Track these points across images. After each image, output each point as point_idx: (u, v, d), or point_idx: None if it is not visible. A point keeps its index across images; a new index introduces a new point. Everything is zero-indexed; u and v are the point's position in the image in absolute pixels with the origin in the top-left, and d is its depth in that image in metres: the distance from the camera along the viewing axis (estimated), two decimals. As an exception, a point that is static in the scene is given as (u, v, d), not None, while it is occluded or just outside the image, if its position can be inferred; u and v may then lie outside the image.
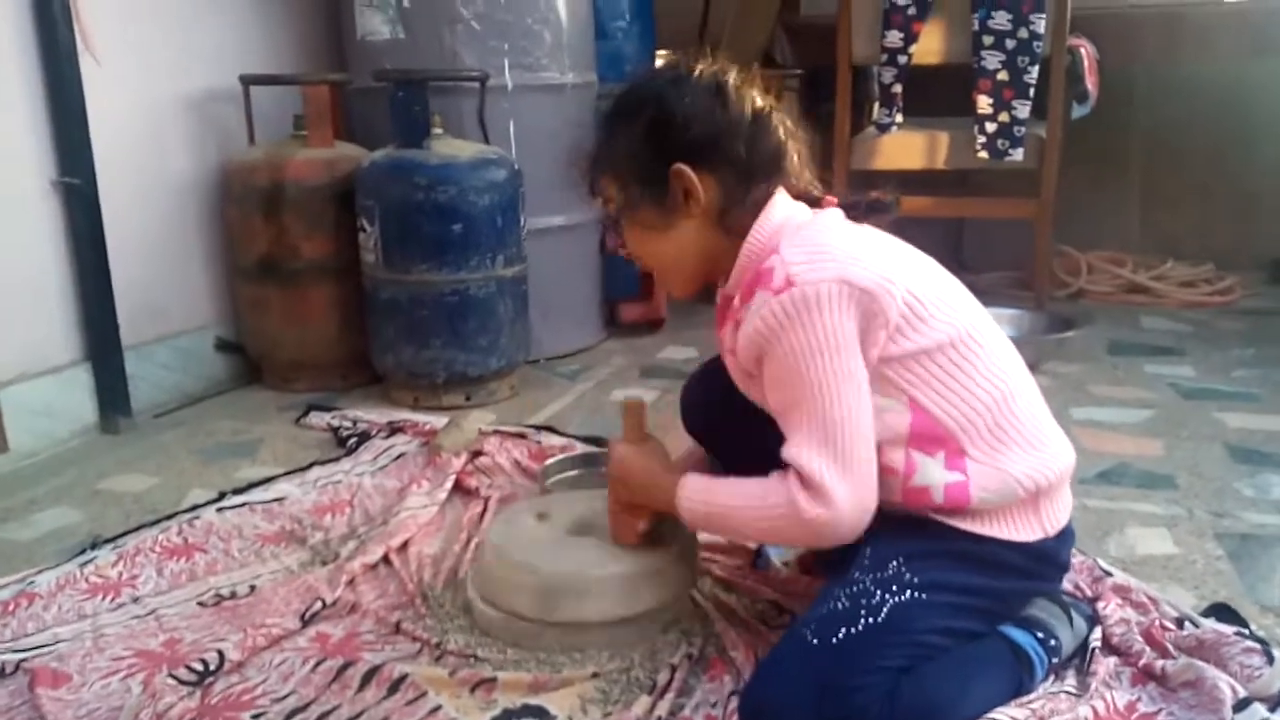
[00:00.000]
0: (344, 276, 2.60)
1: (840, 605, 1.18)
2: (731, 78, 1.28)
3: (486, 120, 2.62)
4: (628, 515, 1.43)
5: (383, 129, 2.60)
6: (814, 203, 1.30)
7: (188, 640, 1.44)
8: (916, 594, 1.18)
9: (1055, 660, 1.30)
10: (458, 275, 2.45)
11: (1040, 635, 1.28)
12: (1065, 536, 1.30)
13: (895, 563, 1.20)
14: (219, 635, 1.44)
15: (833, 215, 1.27)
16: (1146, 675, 1.31)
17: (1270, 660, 1.27)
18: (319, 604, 1.52)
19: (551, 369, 2.82)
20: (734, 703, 1.26)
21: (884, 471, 1.23)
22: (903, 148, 3.27)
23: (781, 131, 1.28)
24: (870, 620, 1.16)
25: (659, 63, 1.37)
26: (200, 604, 1.56)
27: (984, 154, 3.11)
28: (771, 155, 1.27)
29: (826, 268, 1.15)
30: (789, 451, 1.18)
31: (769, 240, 1.24)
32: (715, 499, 1.27)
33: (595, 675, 1.34)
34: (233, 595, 1.58)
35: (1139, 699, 1.27)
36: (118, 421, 2.38)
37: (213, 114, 2.69)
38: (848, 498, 1.15)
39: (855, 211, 1.30)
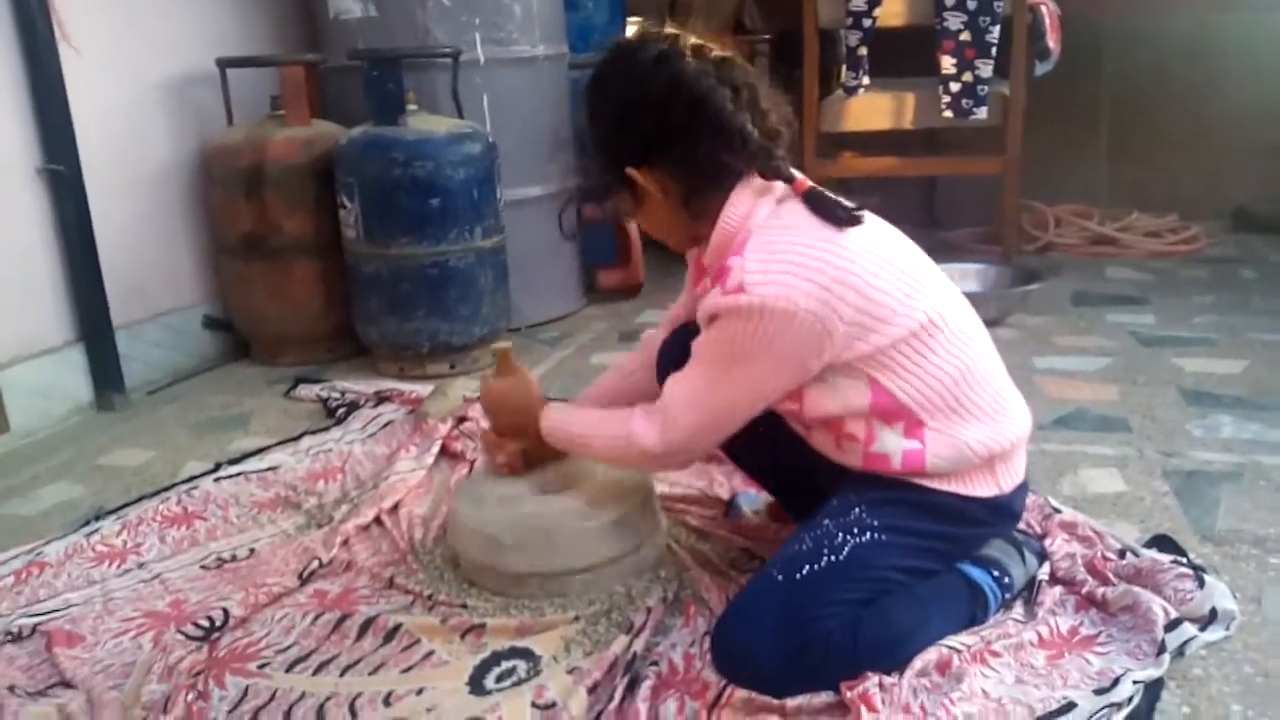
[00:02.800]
0: (326, 252, 2.66)
1: (804, 546, 1.28)
2: (681, 63, 1.26)
3: (460, 95, 2.67)
4: (499, 445, 1.59)
5: (358, 107, 2.66)
6: (786, 179, 1.29)
7: (193, 600, 1.53)
8: (876, 535, 1.27)
9: (1008, 596, 1.39)
10: (438, 248, 2.52)
11: (995, 573, 1.37)
12: (1019, 490, 1.38)
13: (858, 509, 1.29)
14: (222, 595, 1.53)
15: (797, 212, 1.27)
16: (1089, 602, 1.41)
17: (1201, 585, 1.37)
18: (316, 563, 1.61)
19: (533, 336, 2.90)
20: (709, 641, 1.35)
21: (845, 439, 1.31)
22: (870, 109, 3.34)
23: (732, 106, 1.25)
24: (832, 558, 1.25)
25: (617, 44, 1.35)
26: (203, 567, 1.64)
27: (949, 113, 3.19)
28: (725, 142, 1.26)
29: (776, 283, 1.19)
30: (672, 380, 1.32)
31: (738, 227, 1.27)
32: (570, 428, 1.46)
33: (577, 618, 1.43)
34: (233, 558, 1.67)
35: (1081, 623, 1.37)
36: (113, 399, 2.45)
37: (191, 97, 2.74)
38: (676, 449, 1.33)
39: (824, 213, 1.26)
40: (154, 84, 2.65)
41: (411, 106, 2.58)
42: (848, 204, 1.30)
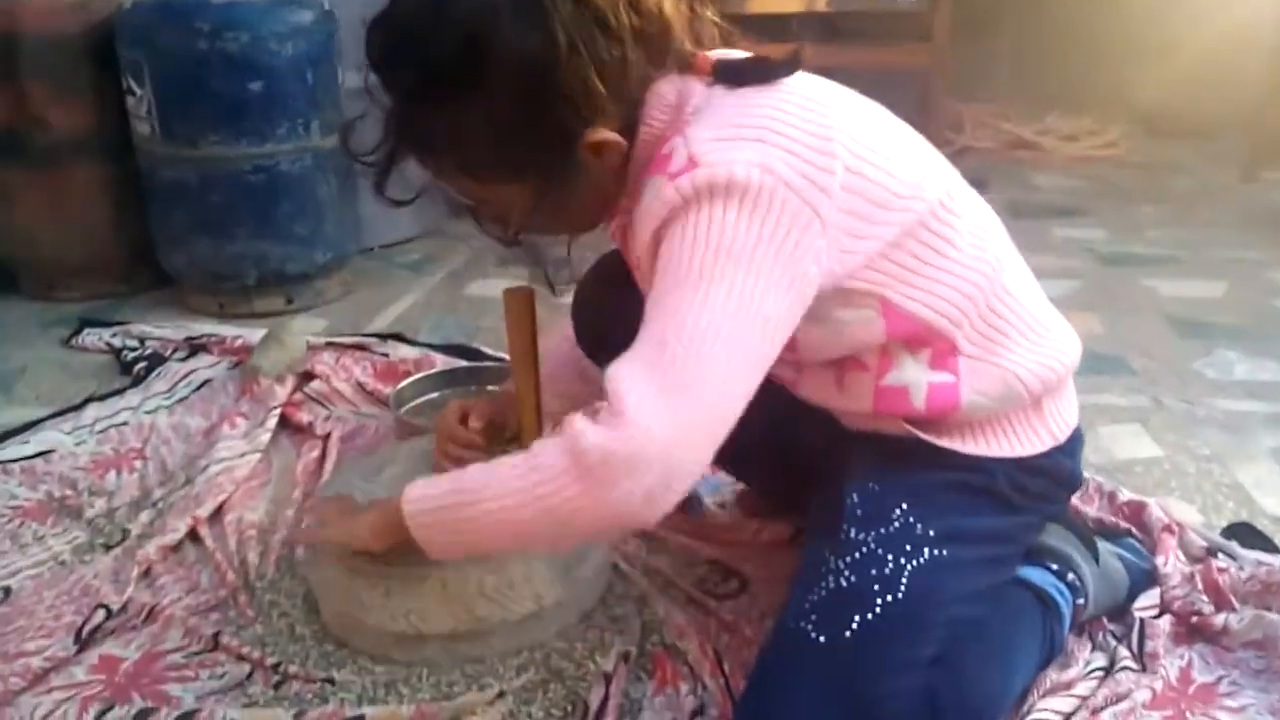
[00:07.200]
0: (113, 153, 2.12)
1: (844, 582, 0.88)
2: None
3: (285, -51, 2.09)
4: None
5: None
6: (686, 62, 0.91)
7: (-101, 694, 1.01)
8: (936, 551, 0.91)
9: (1081, 601, 1.04)
10: (262, 148, 2.01)
11: (1055, 567, 1.04)
12: (1076, 444, 1.04)
13: (899, 511, 0.92)
14: (-51, 680, 1.02)
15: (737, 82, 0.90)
16: (1196, 632, 1.05)
17: (1350, 607, 1.04)
18: (101, 613, 1.14)
19: (390, 259, 2.40)
20: (698, 723, 0.94)
21: (850, 371, 0.96)
22: (781, -12, 2.91)
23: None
24: (889, 599, 0.88)
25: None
26: (-78, 628, 1.12)
27: (873, -7, 2.78)
28: (659, 32, 0.88)
29: (742, 145, 0.82)
30: (612, 365, 0.81)
31: (669, 121, 0.89)
32: (461, 485, 0.86)
33: (501, 695, 1.00)
34: (-25, 608, 1.15)
35: (1189, 662, 1.03)
36: None
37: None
38: (659, 435, 0.77)
39: (741, 78, 0.89)
40: None
41: (218, -38, 1.99)
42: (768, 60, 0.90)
